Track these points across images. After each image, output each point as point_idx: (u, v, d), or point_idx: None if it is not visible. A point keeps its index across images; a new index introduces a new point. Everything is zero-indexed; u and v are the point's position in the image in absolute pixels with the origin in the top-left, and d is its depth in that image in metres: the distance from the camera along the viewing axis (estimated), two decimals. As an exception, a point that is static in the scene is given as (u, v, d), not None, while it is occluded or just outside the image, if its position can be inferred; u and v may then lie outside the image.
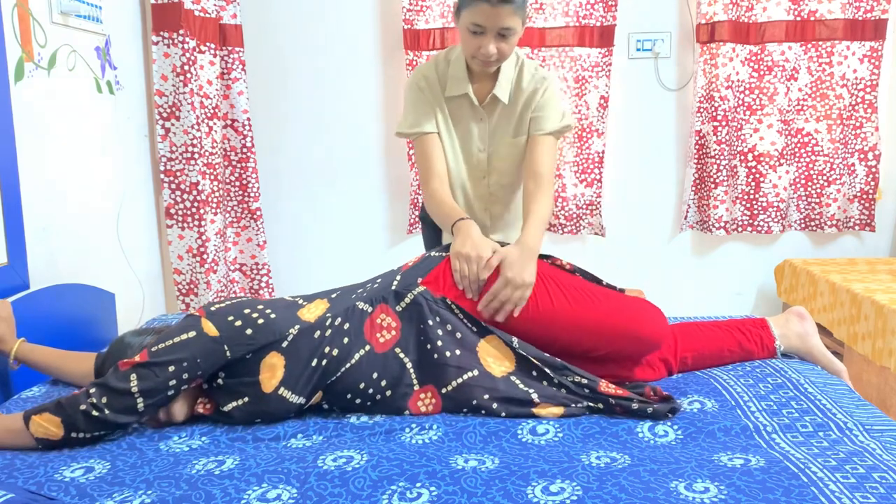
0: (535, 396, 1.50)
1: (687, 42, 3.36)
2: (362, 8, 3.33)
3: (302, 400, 1.49)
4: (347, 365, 1.50)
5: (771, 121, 3.35)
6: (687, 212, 3.45)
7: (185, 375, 1.41)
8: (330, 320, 1.53)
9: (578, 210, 3.43)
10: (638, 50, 3.37)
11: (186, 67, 2.71)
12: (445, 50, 1.98)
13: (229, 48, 3.05)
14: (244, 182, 3.17)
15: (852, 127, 3.35)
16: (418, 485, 1.16)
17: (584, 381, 1.52)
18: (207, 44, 2.90)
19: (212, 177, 2.91)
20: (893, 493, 1.11)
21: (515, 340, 1.57)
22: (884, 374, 2.59)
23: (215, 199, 2.93)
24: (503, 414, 1.49)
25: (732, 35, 3.26)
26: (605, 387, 1.52)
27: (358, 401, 1.52)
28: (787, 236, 3.52)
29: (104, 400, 1.36)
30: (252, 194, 3.19)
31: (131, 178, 2.68)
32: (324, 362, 1.49)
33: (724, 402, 1.52)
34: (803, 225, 3.47)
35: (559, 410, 1.49)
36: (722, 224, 3.40)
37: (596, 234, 3.44)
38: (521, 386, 1.52)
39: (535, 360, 1.55)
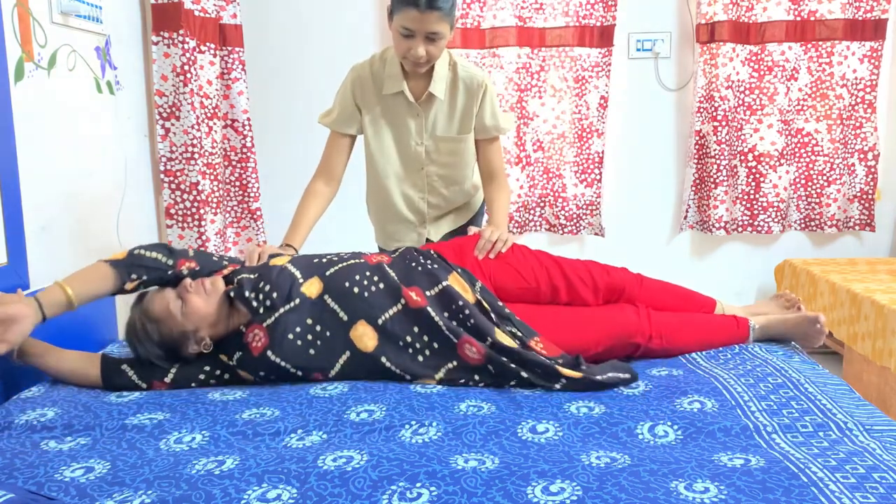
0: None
1: (687, 42, 3.37)
2: (362, 7, 3.33)
3: (301, 278, 1.72)
4: (343, 264, 1.77)
5: (771, 121, 3.35)
6: (687, 212, 3.45)
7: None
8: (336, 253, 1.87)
9: (578, 210, 3.43)
10: (638, 50, 3.37)
11: (186, 67, 2.71)
12: (382, 49, 2.08)
13: (229, 48, 3.05)
14: (244, 182, 3.17)
15: (852, 127, 3.35)
16: (418, 485, 1.16)
17: (518, 333, 1.68)
18: (207, 44, 2.90)
19: (212, 177, 2.91)
20: (893, 493, 1.11)
21: (479, 284, 1.77)
22: (884, 374, 2.59)
23: (215, 200, 2.93)
24: (476, 319, 1.67)
25: (732, 35, 3.26)
26: (535, 344, 1.66)
27: (356, 290, 1.69)
28: (787, 236, 3.52)
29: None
30: (252, 194, 3.19)
31: (131, 178, 2.68)
32: (324, 260, 1.80)
33: (724, 402, 1.52)
34: (803, 225, 3.48)
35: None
36: (722, 224, 3.40)
37: (596, 234, 3.44)
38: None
39: (485, 304, 1.72)
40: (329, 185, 2.13)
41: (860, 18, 3.25)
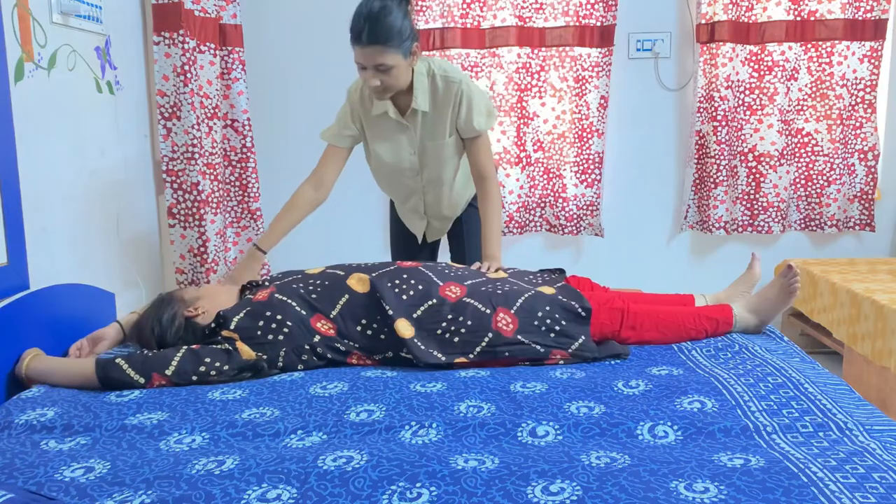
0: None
1: (687, 42, 3.37)
2: (362, 8, 3.33)
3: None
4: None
5: (771, 121, 3.35)
6: (687, 212, 3.45)
7: None
8: None
9: (578, 210, 3.43)
10: (638, 50, 3.37)
11: (187, 67, 2.71)
12: None
13: (229, 48, 3.05)
14: (244, 182, 3.17)
15: (852, 127, 3.35)
16: (418, 485, 1.16)
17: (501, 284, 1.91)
18: (207, 44, 2.90)
19: (212, 177, 2.91)
20: (893, 493, 1.11)
21: (473, 266, 2.09)
22: (884, 374, 2.59)
23: (215, 200, 2.93)
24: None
25: (732, 35, 3.27)
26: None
27: (352, 263, 1.99)
28: (788, 236, 3.52)
29: None
30: (252, 194, 3.19)
31: (131, 178, 2.68)
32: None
33: (725, 402, 1.52)
34: (803, 225, 3.48)
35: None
36: (722, 224, 3.40)
37: (596, 234, 3.44)
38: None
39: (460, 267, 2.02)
40: (318, 191, 2.23)
41: (860, 18, 3.25)
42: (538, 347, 1.79)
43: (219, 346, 1.75)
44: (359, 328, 1.82)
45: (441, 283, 1.89)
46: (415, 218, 2.44)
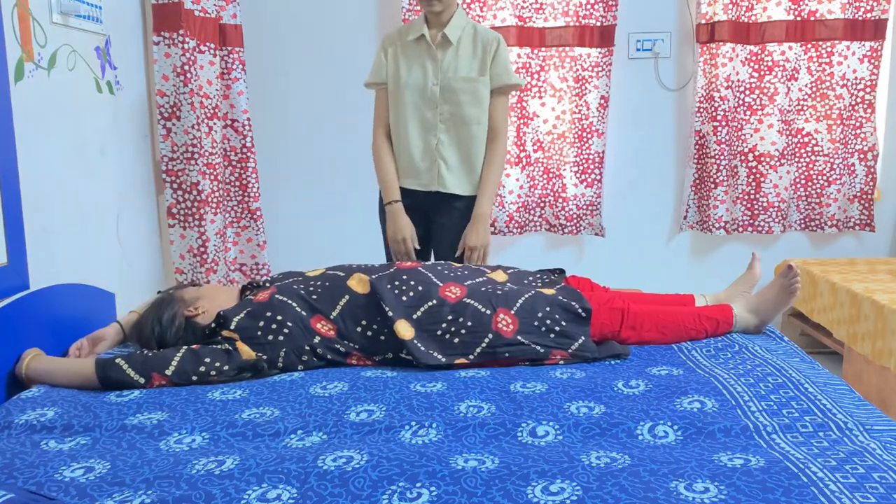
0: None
1: (687, 42, 3.37)
2: (362, 7, 3.33)
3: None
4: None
5: (771, 121, 3.35)
6: (687, 212, 3.45)
7: None
8: None
9: (579, 210, 3.43)
10: (638, 50, 3.37)
11: (186, 67, 2.71)
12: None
13: (229, 48, 3.05)
14: (244, 182, 3.17)
15: (852, 127, 3.35)
16: (418, 485, 1.16)
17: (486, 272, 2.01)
18: (207, 44, 2.89)
19: (212, 177, 2.91)
20: (893, 493, 1.11)
21: (468, 264, 2.15)
22: (884, 374, 2.59)
23: (215, 200, 2.93)
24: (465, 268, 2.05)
25: (732, 35, 3.27)
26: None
27: (353, 264, 1.99)
28: (788, 236, 3.53)
29: None
30: (252, 194, 3.19)
31: (131, 178, 2.68)
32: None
33: (725, 402, 1.52)
34: (803, 225, 3.48)
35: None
36: (722, 224, 3.40)
37: (596, 234, 3.44)
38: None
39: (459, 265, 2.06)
40: (388, 134, 2.46)
41: (860, 18, 3.25)
42: (538, 348, 1.79)
43: (219, 346, 1.75)
44: (359, 329, 1.82)
45: (441, 284, 1.89)
46: (427, 160, 2.41)
